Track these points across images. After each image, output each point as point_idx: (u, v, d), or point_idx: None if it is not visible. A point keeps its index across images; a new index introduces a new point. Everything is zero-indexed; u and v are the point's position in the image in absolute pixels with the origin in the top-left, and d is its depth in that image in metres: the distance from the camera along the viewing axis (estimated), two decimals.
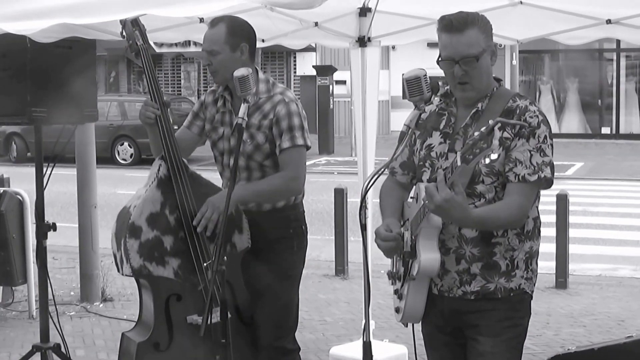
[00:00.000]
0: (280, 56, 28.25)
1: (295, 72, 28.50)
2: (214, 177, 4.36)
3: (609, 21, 5.24)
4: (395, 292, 3.47)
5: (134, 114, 20.43)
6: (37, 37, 4.20)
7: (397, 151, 3.33)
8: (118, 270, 4.13)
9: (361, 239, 3.39)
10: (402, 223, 3.45)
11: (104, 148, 19.09)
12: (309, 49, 25.31)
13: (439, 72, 3.31)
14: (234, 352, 3.71)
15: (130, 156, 20.89)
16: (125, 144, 20.91)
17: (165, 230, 4.09)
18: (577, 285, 8.61)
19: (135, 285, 4.31)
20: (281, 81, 26.77)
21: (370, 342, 3.54)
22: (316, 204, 12.95)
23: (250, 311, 4.27)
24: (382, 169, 3.28)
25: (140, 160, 20.17)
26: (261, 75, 4.28)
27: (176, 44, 20.95)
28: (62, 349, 5.16)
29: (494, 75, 3.37)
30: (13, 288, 7.62)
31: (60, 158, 5.05)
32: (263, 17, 5.18)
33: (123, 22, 4.21)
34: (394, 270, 3.50)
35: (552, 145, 3.27)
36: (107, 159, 19.63)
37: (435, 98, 3.45)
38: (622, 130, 25.43)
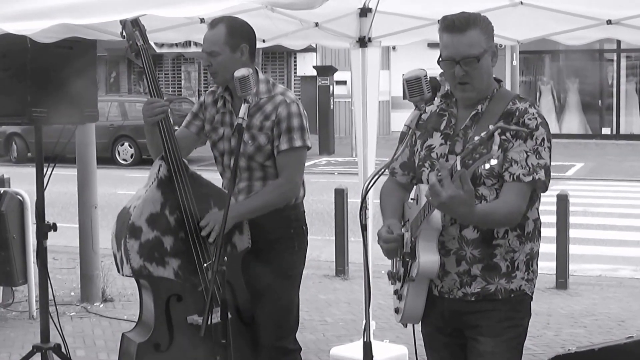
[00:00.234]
0: (281, 56, 28.25)
1: (295, 73, 28.50)
2: (214, 177, 4.36)
3: (609, 22, 5.24)
4: (395, 292, 3.47)
5: (135, 114, 20.44)
6: (38, 37, 4.19)
7: (398, 152, 3.33)
8: (118, 271, 4.13)
9: (361, 239, 3.39)
10: (402, 224, 3.45)
11: (104, 148, 19.11)
12: (309, 49, 25.34)
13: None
14: (234, 353, 3.71)
15: (131, 156, 20.89)
16: (126, 144, 20.92)
17: (165, 230, 4.09)
18: (578, 285, 8.62)
19: (135, 286, 4.31)
20: (282, 81, 26.79)
21: (370, 342, 3.53)
22: (316, 204, 12.95)
23: (250, 311, 4.27)
24: (383, 170, 3.28)
25: (141, 160, 20.16)
26: (261, 75, 4.28)
27: (177, 45, 20.93)
28: (63, 350, 5.16)
29: (494, 76, 3.37)
30: (13, 288, 7.62)
31: (60, 158, 5.05)
32: (263, 17, 5.19)
33: (123, 23, 4.20)
34: (394, 271, 3.50)
35: (550, 148, 3.26)
36: (107, 159, 19.63)
37: (436, 99, 3.45)
38: (622, 131, 25.44)
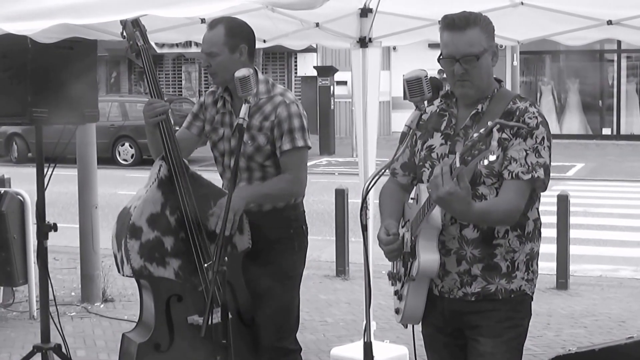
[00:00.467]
0: (282, 57, 28.26)
1: (296, 73, 28.51)
2: (214, 177, 4.36)
3: (609, 22, 5.24)
4: (395, 293, 3.47)
5: (135, 114, 20.43)
6: (38, 38, 4.20)
7: (398, 152, 3.33)
8: (118, 271, 4.13)
9: (362, 239, 3.39)
10: (402, 224, 3.45)
11: (104, 148, 19.09)
12: (310, 49, 25.34)
13: None
14: (234, 353, 3.71)
15: (131, 157, 20.88)
16: (126, 144, 20.91)
17: (165, 230, 4.09)
18: (578, 286, 8.62)
19: (135, 286, 4.31)
20: (282, 82, 26.80)
21: (371, 342, 3.54)
22: (317, 204, 12.95)
23: (251, 312, 4.27)
24: (383, 170, 3.28)
25: (141, 160, 20.15)
26: (260, 76, 4.28)
27: (177, 45, 20.93)
28: (63, 350, 5.16)
29: (494, 76, 3.37)
30: (14, 288, 7.62)
31: (61, 158, 5.05)
32: (264, 17, 5.19)
33: (124, 23, 4.21)
34: (395, 271, 3.50)
35: (549, 147, 3.26)
36: (108, 159, 19.63)
37: (437, 100, 3.45)
38: (622, 131, 25.43)
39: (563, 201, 8.58)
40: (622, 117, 25.50)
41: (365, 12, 5.69)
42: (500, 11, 5.12)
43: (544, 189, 3.28)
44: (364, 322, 3.83)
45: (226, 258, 3.66)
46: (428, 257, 3.26)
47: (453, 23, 3.25)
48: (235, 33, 4.21)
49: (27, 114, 4.85)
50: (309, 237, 4.45)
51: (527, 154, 3.20)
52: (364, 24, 5.74)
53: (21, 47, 4.69)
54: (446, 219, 3.29)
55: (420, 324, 3.49)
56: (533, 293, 3.42)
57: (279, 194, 4.24)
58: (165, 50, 24.34)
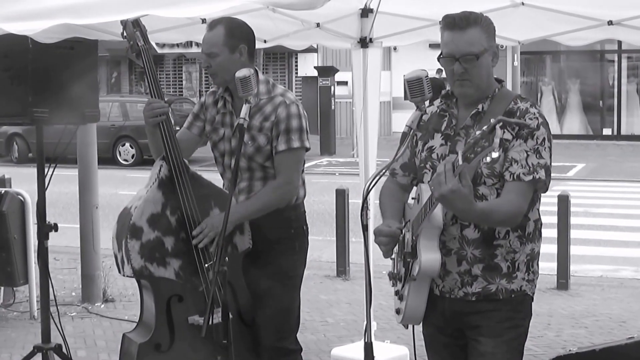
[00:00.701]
0: (282, 57, 28.25)
1: (296, 73, 28.50)
2: (215, 178, 4.36)
3: (610, 22, 5.24)
4: (396, 293, 3.47)
5: (136, 114, 20.42)
6: (39, 38, 4.20)
7: (399, 152, 3.33)
8: (119, 271, 4.13)
9: (363, 239, 3.39)
10: (403, 224, 3.45)
11: (105, 149, 19.11)
12: (310, 49, 25.31)
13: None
14: (235, 353, 3.71)
15: (132, 157, 20.88)
16: (127, 144, 20.91)
17: (166, 231, 4.09)
18: (579, 286, 8.61)
19: (136, 286, 4.31)
20: (283, 82, 26.80)
21: (371, 343, 3.53)
22: (317, 204, 12.95)
23: (251, 312, 4.27)
24: (384, 170, 3.28)
25: (142, 160, 20.15)
26: (261, 76, 4.28)
27: (178, 45, 20.95)
28: (64, 350, 5.15)
29: (495, 77, 3.37)
30: (14, 289, 7.62)
31: (61, 159, 5.05)
32: (265, 17, 5.19)
33: (124, 23, 4.21)
34: (395, 271, 3.50)
35: (550, 148, 3.26)
36: (108, 159, 19.63)
37: (437, 100, 3.45)
38: (623, 132, 25.42)
39: (564, 201, 8.57)
40: (623, 117, 25.49)
41: (365, 12, 5.69)
42: (501, 11, 5.12)
43: (545, 190, 3.29)
44: (365, 322, 3.83)
45: (227, 258, 3.66)
46: (429, 256, 3.26)
47: (454, 22, 3.25)
48: (234, 33, 4.21)
49: (27, 114, 4.85)
50: (309, 238, 4.45)
51: (528, 155, 3.20)
52: (365, 24, 5.74)
53: (22, 47, 4.69)
54: (447, 218, 3.28)
55: (420, 324, 3.49)
56: (534, 293, 3.42)
57: (270, 206, 4.23)
58: (165, 51, 24.34)
